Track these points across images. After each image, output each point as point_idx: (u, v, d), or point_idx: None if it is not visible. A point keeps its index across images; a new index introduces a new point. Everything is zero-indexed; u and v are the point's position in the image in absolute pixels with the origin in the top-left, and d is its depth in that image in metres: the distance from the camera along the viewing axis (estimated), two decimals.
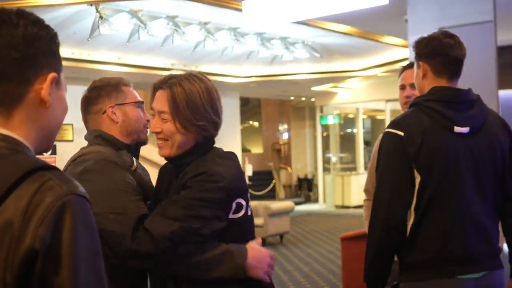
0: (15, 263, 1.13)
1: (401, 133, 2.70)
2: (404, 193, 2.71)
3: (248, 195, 2.34)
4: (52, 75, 1.33)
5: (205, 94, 2.25)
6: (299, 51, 11.61)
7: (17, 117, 1.30)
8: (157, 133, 2.27)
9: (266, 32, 10.83)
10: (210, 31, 9.93)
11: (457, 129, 2.73)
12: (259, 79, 14.64)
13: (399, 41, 10.77)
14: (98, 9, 8.71)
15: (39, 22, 1.33)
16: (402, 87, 3.62)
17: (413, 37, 7.08)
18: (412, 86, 3.50)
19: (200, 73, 2.33)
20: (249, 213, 2.34)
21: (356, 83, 16.89)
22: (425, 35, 6.99)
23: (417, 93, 3.29)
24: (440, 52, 2.90)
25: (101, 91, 2.51)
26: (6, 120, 1.30)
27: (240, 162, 16.64)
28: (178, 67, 12.75)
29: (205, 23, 9.86)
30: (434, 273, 2.68)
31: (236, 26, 10.15)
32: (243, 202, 2.27)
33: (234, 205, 2.23)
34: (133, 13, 8.95)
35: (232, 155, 2.40)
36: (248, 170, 16.32)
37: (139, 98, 2.59)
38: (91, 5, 8.55)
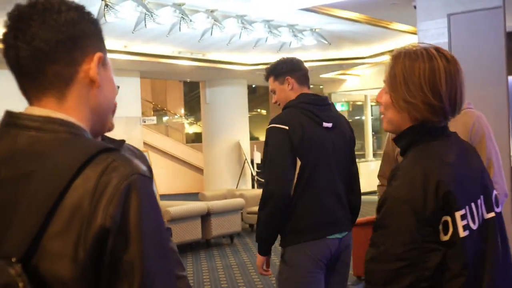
0: (88, 240, 1.19)
1: (286, 127, 3.54)
2: (290, 174, 3.51)
3: None
4: (98, 54, 1.38)
5: (427, 73, 1.96)
6: (307, 38, 11.55)
7: (70, 98, 1.35)
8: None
9: (273, 20, 10.76)
10: (217, 18, 9.88)
11: (325, 124, 3.66)
12: (265, 66, 14.56)
13: (408, 27, 10.71)
14: None
15: (80, 8, 1.38)
16: None
17: (422, 23, 7.07)
18: None
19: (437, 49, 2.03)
20: None
21: (364, 70, 16.85)
22: (433, 21, 6.91)
23: None
24: (299, 68, 3.81)
25: None
26: (60, 102, 1.35)
27: (248, 150, 16.70)
28: (185, 55, 12.72)
29: (212, 11, 9.81)
30: (311, 235, 3.55)
31: (243, 13, 10.10)
32: None
33: None
34: (139, 1, 8.91)
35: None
36: (257, 158, 16.30)
37: None
38: None
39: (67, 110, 1.35)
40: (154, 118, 15.65)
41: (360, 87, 17.89)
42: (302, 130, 3.54)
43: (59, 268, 1.19)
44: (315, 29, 11.50)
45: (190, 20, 9.51)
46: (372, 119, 19.85)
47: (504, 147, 5.82)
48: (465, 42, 6.91)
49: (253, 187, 16.30)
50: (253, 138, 20.67)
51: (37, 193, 1.22)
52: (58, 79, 1.34)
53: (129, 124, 13.77)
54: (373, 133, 19.61)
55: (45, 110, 1.33)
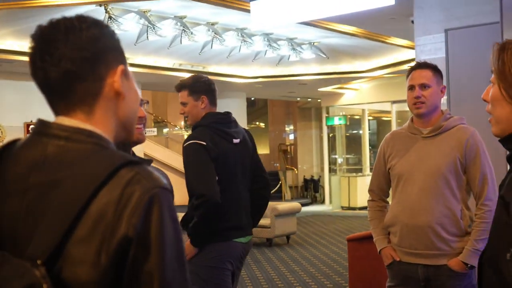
0: (111, 248, 1.26)
1: (204, 143, 3.89)
2: (216, 185, 3.87)
3: None
4: (120, 67, 1.43)
5: None
6: (305, 52, 11.67)
7: (98, 112, 1.42)
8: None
9: (273, 33, 10.89)
10: (217, 31, 10.00)
11: (235, 140, 4.05)
12: (266, 79, 14.71)
13: (406, 42, 10.82)
14: (107, 9, 8.79)
15: (98, 23, 1.44)
16: (411, 88, 3.63)
17: (420, 38, 7.18)
18: (421, 86, 3.57)
19: None
20: None
21: (362, 84, 16.95)
22: (431, 36, 7.02)
23: (427, 93, 3.49)
24: (213, 89, 4.12)
25: None
26: (89, 116, 1.41)
27: None
28: (185, 68, 12.84)
29: (213, 24, 9.93)
30: (222, 237, 3.96)
31: (243, 26, 10.23)
32: None
33: None
34: (142, 14, 9.04)
35: None
36: None
37: None
38: (101, 5, 8.63)
39: (95, 123, 1.41)
40: (155, 129, 15.72)
41: (357, 101, 17.98)
42: (216, 147, 3.93)
43: (81, 273, 1.26)
44: (313, 43, 11.62)
45: (192, 33, 9.64)
46: (369, 133, 19.94)
47: (500, 161, 5.89)
48: (462, 57, 7.01)
49: None
50: None
51: (64, 200, 1.29)
52: (86, 95, 1.41)
53: None
54: (370, 147, 19.68)
55: (74, 121, 1.40)
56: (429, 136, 3.62)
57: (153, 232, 1.28)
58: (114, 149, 1.41)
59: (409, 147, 3.67)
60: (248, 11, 8.03)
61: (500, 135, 1.92)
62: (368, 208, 3.98)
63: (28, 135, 1.45)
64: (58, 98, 1.41)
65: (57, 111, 1.43)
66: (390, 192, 3.88)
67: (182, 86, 4.13)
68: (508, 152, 1.96)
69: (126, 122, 1.49)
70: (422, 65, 3.69)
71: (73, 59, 1.37)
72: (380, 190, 3.90)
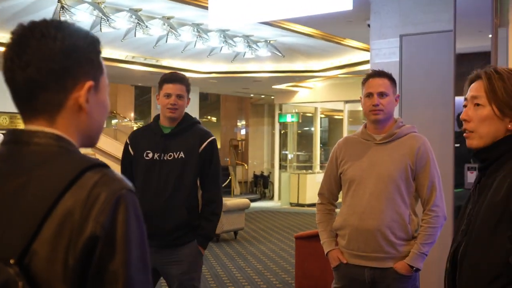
0: (78, 247, 1.29)
1: None
2: None
3: None
4: (88, 83, 1.44)
5: None
6: (261, 49, 11.65)
7: (60, 122, 1.44)
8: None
9: (229, 30, 10.84)
10: (173, 26, 9.90)
11: None
12: (220, 75, 14.67)
13: (360, 44, 10.90)
14: None
15: (76, 32, 1.45)
16: (369, 95, 3.70)
17: (375, 42, 7.22)
18: (380, 94, 3.67)
19: None
20: None
21: (316, 83, 17.04)
22: (386, 40, 7.08)
23: (385, 101, 3.57)
24: None
25: None
26: (51, 124, 1.43)
27: None
28: (138, 60, 12.71)
29: (169, 18, 9.83)
30: None
31: (199, 22, 10.15)
32: None
33: None
34: (95, 5, 8.87)
35: None
36: None
37: None
38: None
39: (57, 129, 1.43)
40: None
41: (311, 99, 18.07)
42: None
43: (50, 271, 1.29)
44: (269, 41, 11.61)
45: (146, 26, 9.52)
46: (320, 130, 20.06)
47: (448, 168, 5.98)
48: (416, 63, 7.10)
49: None
50: None
51: (33, 200, 1.32)
52: (49, 105, 1.42)
53: None
54: (321, 145, 19.82)
55: (37, 126, 1.42)
56: (382, 143, 3.71)
57: (119, 231, 1.32)
58: (79, 152, 1.45)
59: (362, 152, 3.75)
60: (204, 7, 7.99)
61: (480, 147, 2.20)
62: (316, 211, 4.05)
63: None
64: (22, 103, 1.44)
65: (22, 115, 1.46)
66: (340, 196, 3.95)
67: (182, 79, 4.19)
68: (479, 164, 2.25)
69: (90, 134, 1.51)
70: (380, 74, 3.75)
71: (40, 68, 1.38)
72: (330, 193, 3.98)
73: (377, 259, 3.60)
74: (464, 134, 2.25)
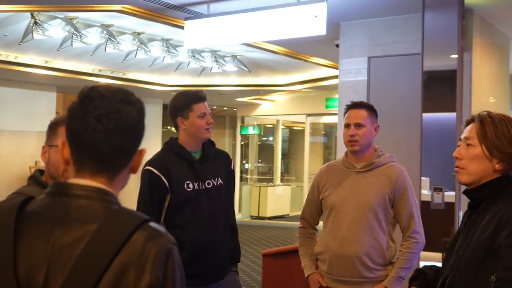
0: None
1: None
2: None
3: None
4: (144, 150, 1.65)
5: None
6: (228, 64, 11.80)
7: (116, 180, 1.63)
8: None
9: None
10: (143, 41, 10.00)
11: None
12: (184, 88, 14.67)
13: (327, 62, 11.13)
14: (33, 14, 8.67)
15: (144, 106, 1.64)
16: (347, 126, 3.86)
17: (344, 61, 7.45)
18: (356, 125, 3.81)
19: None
20: None
21: (278, 96, 17.22)
22: (354, 60, 7.31)
23: (361, 132, 3.76)
24: None
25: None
26: (110, 182, 1.61)
27: None
28: (105, 73, 12.74)
29: (139, 33, 9.93)
30: None
31: (169, 37, 10.27)
32: None
33: None
34: (68, 21, 8.94)
35: None
36: None
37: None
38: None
39: (111, 187, 1.62)
40: None
41: (273, 112, 18.22)
42: None
43: None
44: (236, 56, 11.77)
45: (118, 42, 9.61)
46: (281, 141, 20.23)
47: (415, 185, 6.19)
48: (384, 83, 7.37)
49: None
50: None
51: (94, 252, 1.48)
52: (119, 167, 1.62)
53: (41, 139, 13.55)
54: (282, 157, 19.96)
55: (94, 182, 1.59)
56: (362, 171, 3.86)
57: (168, 281, 1.52)
58: (125, 208, 1.61)
59: (342, 180, 3.89)
60: (175, 25, 8.14)
61: (469, 183, 2.41)
62: (298, 234, 4.17)
63: (46, 194, 1.60)
64: (94, 161, 1.58)
65: (81, 169, 1.59)
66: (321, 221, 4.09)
67: (205, 96, 3.93)
68: (470, 201, 2.45)
69: (121, 189, 1.68)
70: (358, 105, 3.90)
71: (128, 134, 1.58)
72: (312, 218, 4.11)
73: (355, 283, 3.76)
74: (455, 170, 2.44)
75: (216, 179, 3.82)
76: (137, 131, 1.61)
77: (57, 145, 2.40)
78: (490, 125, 2.35)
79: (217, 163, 3.90)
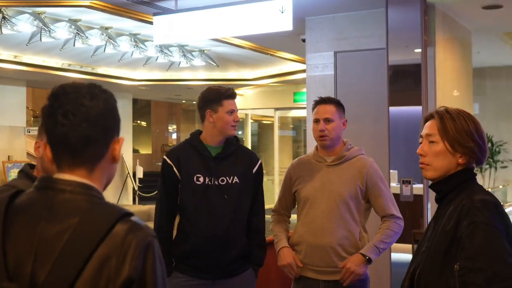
0: (116, 286, 1.55)
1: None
2: None
3: None
4: (122, 138, 1.75)
5: (473, 124, 2.47)
6: (196, 59, 11.85)
7: (97, 171, 1.72)
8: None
9: None
10: (111, 36, 10.01)
11: None
12: (154, 83, 14.79)
13: (293, 56, 11.26)
14: (1, 9, 8.63)
15: (112, 96, 1.74)
16: (316, 121, 4.00)
17: (310, 56, 7.56)
18: (325, 120, 3.94)
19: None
20: None
21: (246, 90, 17.32)
22: (321, 55, 7.41)
23: (330, 127, 3.86)
24: None
25: None
26: (89, 174, 1.70)
27: (131, 164, 16.70)
28: (74, 68, 12.72)
29: (107, 28, 9.94)
30: None
31: (137, 32, 10.29)
32: None
33: None
34: (36, 15, 8.91)
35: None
36: (139, 172, 16.37)
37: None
38: None
39: (93, 180, 1.71)
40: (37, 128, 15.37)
41: (242, 106, 18.22)
42: None
43: None
44: (204, 51, 11.82)
45: (86, 37, 9.61)
46: (250, 135, 20.31)
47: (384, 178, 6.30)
48: (350, 77, 7.48)
49: (134, 202, 16.32)
50: (134, 151, 20.68)
51: (75, 246, 1.57)
52: (94, 157, 1.71)
53: (13, 134, 13.57)
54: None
55: (76, 177, 1.68)
56: (332, 165, 3.99)
57: (148, 274, 1.59)
58: (105, 200, 1.71)
59: (314, 173, 4.02)
60: (143, 20, 8.18)
61: (434, 178, 2.52)
62: (272, 219, 4.27)
63: (33, 188, 1.70)
64: (68, 154, 1.68)
65: (62, 163, 1.70)
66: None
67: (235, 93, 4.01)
68: (436, 195, 2.56)
69: (110, 179, 1.77)
70: (326, 100, 4.04)
71: (94, 125, 1.66)
72: (285, 210, 4.24)
73: (330, 272, 3.90)
74: (420, 166, 2.56)
75: (232, 177, 3.85)
76: (106, 121, 1.69)
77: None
78: (449, 121, 2.46)
79: (237, 162, 3.92)
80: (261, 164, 4.03)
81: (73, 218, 1.60)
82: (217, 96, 3.86)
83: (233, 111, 3.86)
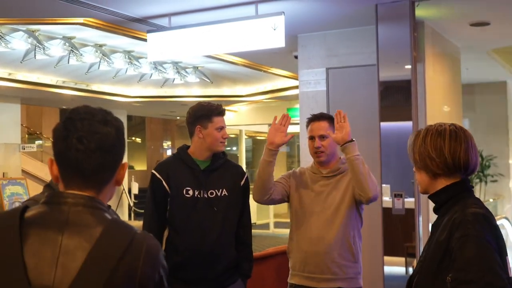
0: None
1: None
2: None
3: None
4: (126, 164, 1.84)
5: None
6: (190, 76, 11.93)
7: (103, 192, 1.82)
8: None
9: None
10: (105, 53, 10.08)
11: None
12: (148, 99, 14.86)
13: (286, 72, 11.35)
14: None
15: (122, 124, 1.83)
16: (311, 138, 4.12)
17: (303, 72, 7.64)
18: (320, 137, 4.06)
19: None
20: None
21: (241, 106, 17.40)
22: (313, 71, 7.48)
23: (325, 143, 3.98)
24: None
25: None
26: (96, 195, 1.79)
27: (126, 180, 16.72)
28: (68, 85, 12.79)
29: (101, 45, 10.02)
30: None
31: (130, 49, 10.37)
32: None
33: None
34: (30, 33, 8.99)
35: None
36: (134, 188, 16.40)
37: None
38: None
39: (100, 198, 1.81)
40: (34, 145, 15.43)
41: (236, 122, 18.36)
42: None
43: None
44: (198, 67, 11.89)
45: (81, 54, 9.69)
46: (245, 151, 20.37)
47: None
48: (342, 93, 7.57)
49: (129, 217, 16.33)
50: (129, 167, 20.69)
51: (103, 253, 1.68)
52: (103, 181, 1.80)
53: (7, 151, 13.61)
54: (246, 166, 20.09)
55: (86, 194, 1.77)
56: (328, 176, 4.10)
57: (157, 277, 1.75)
58: (115, 215, 1.85)
59: (310, 183, 4.13)
60: (137, 37, 8.26)
61: (423, 193, 2.62)
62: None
63: (43, 203, 1.77)
64: (79, 177, 1.76)
65: (68, 183, 1.77)
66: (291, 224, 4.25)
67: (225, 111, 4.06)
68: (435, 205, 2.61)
69: (109, 200, 1.87)
70: (319, 117, 4.16)
71: (107, 153, 1.75)
72: (275, 185, 4.15)
73: (325, 280, 3.99)
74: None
75: (220, 190, 3.90)
76: (117, 148, 1.78)
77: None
78: (420, 139, 2.55)
79: (224, 175, 3.97)
80: (247, 177, 4.09)
81: (93, 229, 1.70)
82: (208, 112, 3.91)
83: (222, 128, 3.92)
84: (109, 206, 1.86)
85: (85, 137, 1.72)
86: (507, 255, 2.34)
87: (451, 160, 2.46)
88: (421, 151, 2.51)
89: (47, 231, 1.69)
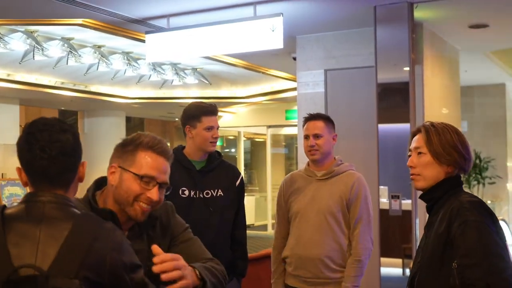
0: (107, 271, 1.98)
1: None
2: None
3: None
4: (85, 162, 2.08)
5: (457, 136, 2.64)
6: (189, 77, 11.93)
7: (70, 190, 2.09)
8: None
9: None
10: (104, 54, 10.08)
11: None
12: (147, 101, 14.85)
13: (285, 74, 11.36)
14: None
15: (77, 129, 2.11)
16: (306, 137, 4.12)
17: (301, 74, 7.65)
18: (315, 136, 4.06)
19: None
20: None
21: (239, 108, 17.39)
22: (311, 73, 7.49)
23: (320, 142, 3.97)
24: None
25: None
26: (65, 193, 2.06)
27: None
28: (67, 86, 12.78)
29: (99, 47, 10.02)
30: None
31: (129, 50, 10.37)
32: None
33: None
34: (29, 34, 9.00)
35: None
36: None
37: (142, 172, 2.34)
38: None
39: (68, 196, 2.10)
40: None
41: (234, 124, 18.35)
42: None
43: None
44: (196, 69, 11.91)
45: (80, 55, 9.69)
46: (243, 153, 20.38)
47: (373, 194, 6.39)
48: (340, 95, 7.58)
49: None
50: None
51: (75, 243, 1.92)
52: (68, 181, 2.06)
53: (6, 152, 13.59)
54: (244, 167, 20.11)
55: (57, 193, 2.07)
56: (322, 179, 4.11)
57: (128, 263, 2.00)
58: (83, 208, 2.21)
59: (305, 187, 4.15)
60: (135, 38, 8.26)
61: (424, 188, 2.67)
62: (272, 258, 4.32)
63: (20, 203, 2.02)
64: (46, 182, 2.01)
65: (38, 188, 2.01)
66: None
67: (217, 110, 4.07)
68: (427, 205, 2.71)
69: (75, 195, 2.15)
70: (315, 116, 4.17)
71: (69, 156, 2.00)
72: (284, 238, 4.25)
73: (318, 283, 4.03)
74: (411, 177, 2.71)
75: (216, 190, 3.93)
76: (76, 151, 2.03)
77: (133, 172, 2.30)
78: (434, 134, 2.63)
79: (220, 175, 4.00)
80: (242, 178, 4.15)
81: (65, 222, 1.94)
82: (197, 112, 3.97)
83: (211, 128, 3.92)
84: None
85: (47, 146, 1.96)
86: (506, 241, 2.42)
87: (468, 155, 2.62)
88: (449, 143, 2.60)
89: (26, 225, 1.93)
